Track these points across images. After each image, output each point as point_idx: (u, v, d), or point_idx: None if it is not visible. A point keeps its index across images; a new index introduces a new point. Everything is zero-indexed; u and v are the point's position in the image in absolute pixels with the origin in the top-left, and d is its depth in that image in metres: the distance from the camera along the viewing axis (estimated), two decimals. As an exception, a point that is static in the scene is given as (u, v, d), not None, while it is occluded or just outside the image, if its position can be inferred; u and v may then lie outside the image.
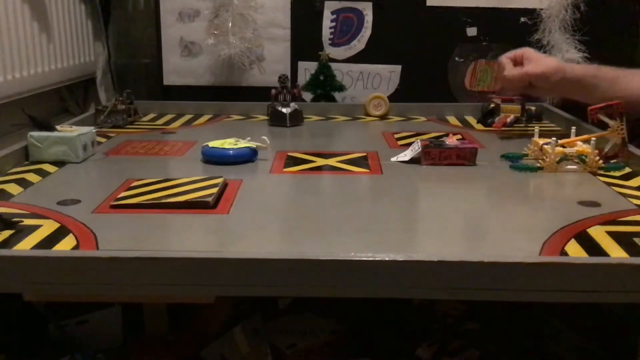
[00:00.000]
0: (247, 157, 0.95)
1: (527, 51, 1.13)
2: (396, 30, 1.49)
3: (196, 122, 1.30)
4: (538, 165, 0.90)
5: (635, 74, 1.08)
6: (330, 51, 1.49)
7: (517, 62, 1.13)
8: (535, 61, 1.10)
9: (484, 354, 0.90)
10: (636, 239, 0.63)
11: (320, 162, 0.96)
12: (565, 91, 1.16)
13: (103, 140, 1.10)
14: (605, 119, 0.91)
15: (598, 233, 0.65)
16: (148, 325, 0.96)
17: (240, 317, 0.95)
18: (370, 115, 1.35)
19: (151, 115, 1.35)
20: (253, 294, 0.57)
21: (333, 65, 1.49)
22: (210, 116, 1.35)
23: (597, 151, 0.89)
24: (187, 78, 1.52)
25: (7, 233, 0.64)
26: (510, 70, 1.12)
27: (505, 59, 1.14)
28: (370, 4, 1.48)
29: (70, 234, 0.65)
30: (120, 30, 1.63)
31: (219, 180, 0.80)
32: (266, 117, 1.29)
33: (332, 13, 1.49)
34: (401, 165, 0.94)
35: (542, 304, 0.85)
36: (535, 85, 1.11)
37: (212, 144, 0.96)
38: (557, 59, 1.17)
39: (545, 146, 0.91)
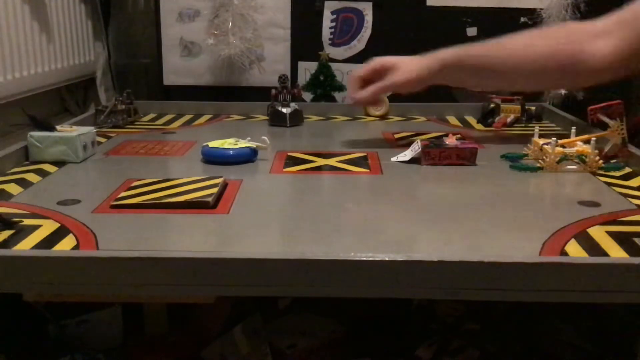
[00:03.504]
0: (247, 157, 0.95)
1: (387, 60, 1.04)
2: (396, 30, 1.49)
3: (196, 122, 1.30)
4: (538, 165, 0.90)
5: (502, 45, 1.00)
6: (330, 51, 1.49)
7: (379, 74, 1.03)
8: (399, 69, 1.01)
9: (484, 354, 0.90)
10: (636, 239, 0.63)
11: (320, 162, 0.96)
12: (441, 81, 1.07)
13: (103, 140, 1.10)
14: (605, 119, 0.91)
15: (598, 233, 0.65)
16: (148, 325, 0.96)
17: (240, 317, 0.95)
18: (370, 115, 1.35)
19: (151, 115, 1.35)
20: (253, 294, 0.57)
21: (333, 65, 1.49)
22: (210, 116, 1.35)
23: (597, 151, 0.89)
24: (187, 78, 1.52)
25: (7, 233, 0.64)
26: (355, 91, 1.03)
27: (355, 78, 1.04)
28: (370, 4, 1.48)
29: (70, 234, 0.65)
30: (120, 30, 1.63)
31: (219, 180, 0.80)
32: (266, 117, 1.29)
33: (332, 13, 1.49)
34: (401, 165, 0.94)
35: (542, 303, 0.85)
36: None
37: (212, 144, 0.96)
38: (422, 58, 1.04)
39: (545, 146, 0.91)
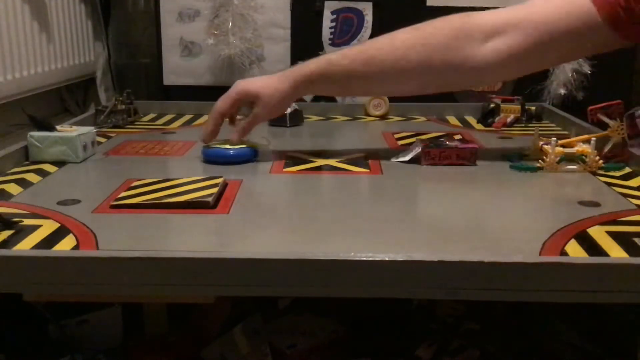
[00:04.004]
0: (247, 157, 0.95)
1: (247, 89, 0.95)
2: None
3: (196, 122, 1.30)
4: (538, 165, 0.90)
5: (371, 55, 0.92)
6: (330, 51, 1.49)
7: (241, 104, 0.98)
8: (262, 100, 0.94)
9: (484, 354, 0.90)
10: (636, 239, 0.63)
11: (320, 162, 0.96)
12: (307, 94, 1.02)
13: (103, 140, 1.10)
14: (605, 119, 0.91)
15: (598, 233, 0.65)
16: (148, 325, 0.96)
17: (240, 317, 0.95)
18: (370, 115, 1.35)
19: (151, 115, 1.35)
20: (253, 294, 0.57)
21: (333, 66, 1.48)
22: (210, 116, 1.35)
23: (597, 151, 0.89)
24: (187, 78, 1.52)
25: (7, 233, 0.64)
26: (213, 127, 0.96)
27: (216, 114, 0.97)
28: (370, 4, 1.48)
29: (70, 234, 0.65)
30: (120, 30, 1.63)
31: (219, 180, 0.80)
32: (266, 117, 1.29)
33: (332, 13, 1.49)
34: (401, 165, 0.94)
35: (542, 304, 0.85)
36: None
37: (212, 144, 0.96)
38: (285, 76, 0.95)
39: (545, 146, 0.91)
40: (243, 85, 0.96)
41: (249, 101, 0.96)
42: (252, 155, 0.95)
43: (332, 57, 0.94)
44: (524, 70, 0.94)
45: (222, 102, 0.97)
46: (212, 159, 0.95)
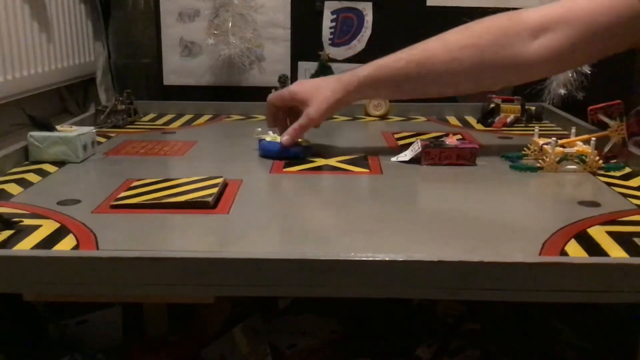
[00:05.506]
0: (300, 154, 0.96)
1: (298, 93, 0.98)
2: (396, 30, 1.49)
3: (196, 122, 1.30)
4: (538, 165, 0.90)
5: (421, 59, 0.95)
6: (330, 51, 1.49)
7: (290, 104, 1.00)
8: (312, 103, 0.96)
9: (484, 354, 0.90)
10: (636, 239, 0.63)
11: (320, 162, 0.96)
12: (358, 98, 1.04)
13: (103, 140, 1.10)
14: (605, 119, 0.91)
15: (598, 233, 0.65)
16: (148, 325, 0.96)
17: (240, 317, 0.95)
18: (370, 115, 1.35)
19: (151, 115, 1.35)
20: (253, 294, 0.57)
21: (333, 65, 1.48)
22: (210, 116, 1.35)
23: (597, 151, 0.89)
24: (187, 78, 1.52)
25: (7, 233, 0.64)
26: (271, 117, 1.01)
27: (269, 104, 1.01)
28: (370, 4, 1.48)
29: (70, 234, 0.65)
30: (120, 30, 1.63)
31: (219, 180, 0.80)
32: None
33: (332, 13, 1.49)
34: (401, 165, 0.94)
35: (542, 304, 0.85)
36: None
37: (269, 138, 0.98)
38: (338, 80, 0.98)
39: (545, 146, 0.91)
40: (297, 87, 0.99)
41: (297, 103, 0.99)
42: (304, 152, 0.97)
43: (384, 61, 0.97)
44: (573, 64, 0.99)
45: (274, 95, 1.02)
46: (267, 154, 0.96)
